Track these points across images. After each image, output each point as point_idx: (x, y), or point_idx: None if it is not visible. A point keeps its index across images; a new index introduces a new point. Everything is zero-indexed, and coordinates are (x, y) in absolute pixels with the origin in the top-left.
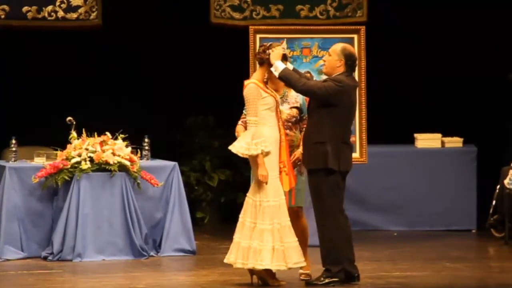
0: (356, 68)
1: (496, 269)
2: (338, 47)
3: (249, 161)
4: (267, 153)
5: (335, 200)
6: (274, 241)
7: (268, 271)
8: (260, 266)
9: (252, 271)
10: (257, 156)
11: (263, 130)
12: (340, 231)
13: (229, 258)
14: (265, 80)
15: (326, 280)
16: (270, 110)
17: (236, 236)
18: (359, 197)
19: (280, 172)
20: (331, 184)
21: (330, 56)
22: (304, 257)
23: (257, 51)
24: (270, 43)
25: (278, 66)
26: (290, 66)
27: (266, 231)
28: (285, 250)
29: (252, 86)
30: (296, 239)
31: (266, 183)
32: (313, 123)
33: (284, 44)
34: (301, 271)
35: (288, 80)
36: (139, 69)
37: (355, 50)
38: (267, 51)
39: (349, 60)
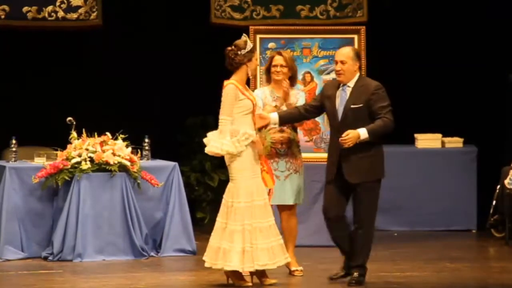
0: None
1: (496, 269)
2: (350, 52)
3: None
4: (253, 143)
5: (376, 207)
6: (244, 243)
7: (235, 272)
8: (228, 268)
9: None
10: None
11: (239, 128)
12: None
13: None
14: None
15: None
16: (245, 112)
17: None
18: None
19: (261, 172)
20: (379, 193)
21: (345, 64)
22: (289, 254)
23: (229, 55)
24: (237, 41)
25: (363, 135)
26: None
27: (237, 232)
28: (253, 251)
29: (231, 87)
30: (270, 240)
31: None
32: None
33: (247, 38)
34: (293, 268)
35: (376, 135)
36: (139, 69)
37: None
38: (240, 52)
39: (360, 61)
